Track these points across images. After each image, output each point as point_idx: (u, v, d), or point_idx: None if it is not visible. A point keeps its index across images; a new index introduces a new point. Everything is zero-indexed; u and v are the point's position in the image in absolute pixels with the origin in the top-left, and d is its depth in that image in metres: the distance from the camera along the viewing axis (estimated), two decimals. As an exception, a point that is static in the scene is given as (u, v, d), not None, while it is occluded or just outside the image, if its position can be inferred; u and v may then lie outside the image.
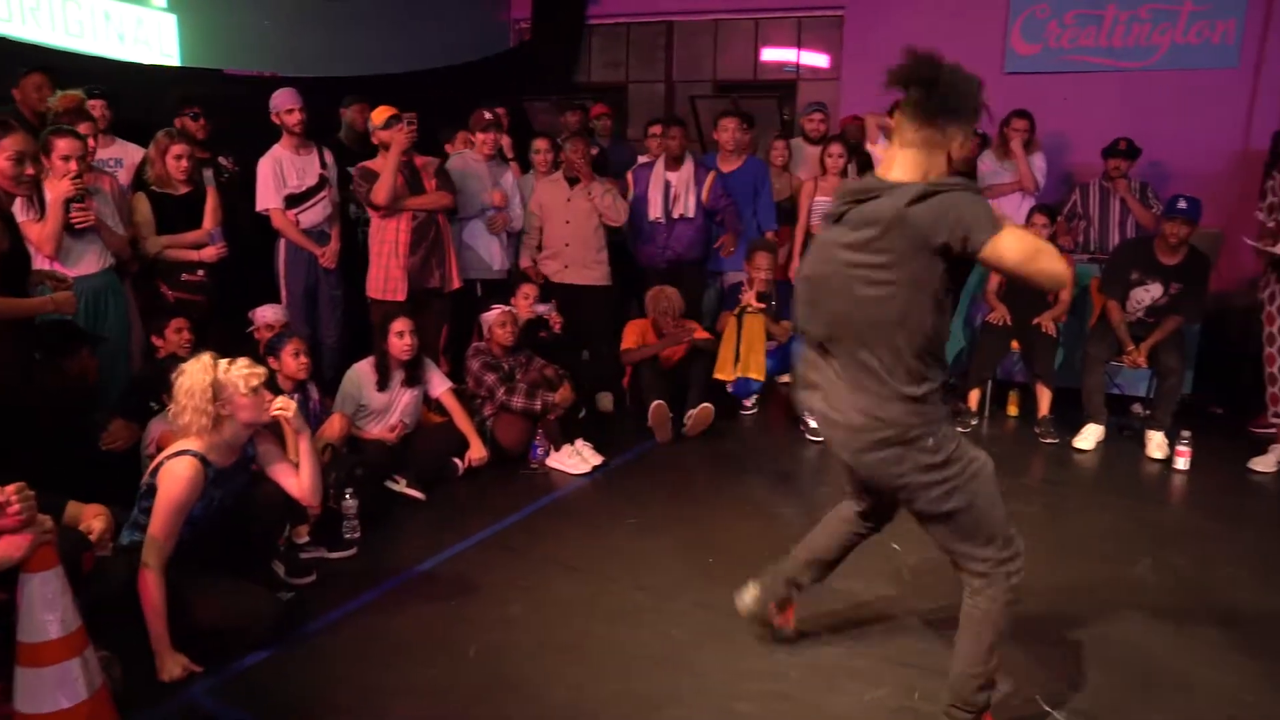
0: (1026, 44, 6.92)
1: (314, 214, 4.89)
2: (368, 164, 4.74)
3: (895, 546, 3.65)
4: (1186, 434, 4.64)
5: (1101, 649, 2.93)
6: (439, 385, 4.41)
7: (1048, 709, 2.58)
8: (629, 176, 5.80)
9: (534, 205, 5.50)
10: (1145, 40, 6.60)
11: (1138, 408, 5.48)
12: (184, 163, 4.36)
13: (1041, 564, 3.48)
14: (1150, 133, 6.01)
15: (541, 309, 5.22)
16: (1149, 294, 5.00)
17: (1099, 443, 4.98)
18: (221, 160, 4.90)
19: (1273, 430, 4.77)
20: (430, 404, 4.55)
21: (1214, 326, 5.83)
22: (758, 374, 5.17)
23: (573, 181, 5.40)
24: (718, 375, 5.22)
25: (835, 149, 5.75)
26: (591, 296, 5.47)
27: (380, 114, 4.69)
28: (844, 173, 5.81)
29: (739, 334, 5.17)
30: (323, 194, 4.91)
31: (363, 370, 4.23)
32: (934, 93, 2.09)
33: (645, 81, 8.74)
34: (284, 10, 6.64)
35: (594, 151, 5.80)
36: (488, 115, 5.29)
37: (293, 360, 3.84)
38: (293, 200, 4.82)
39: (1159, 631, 3.05)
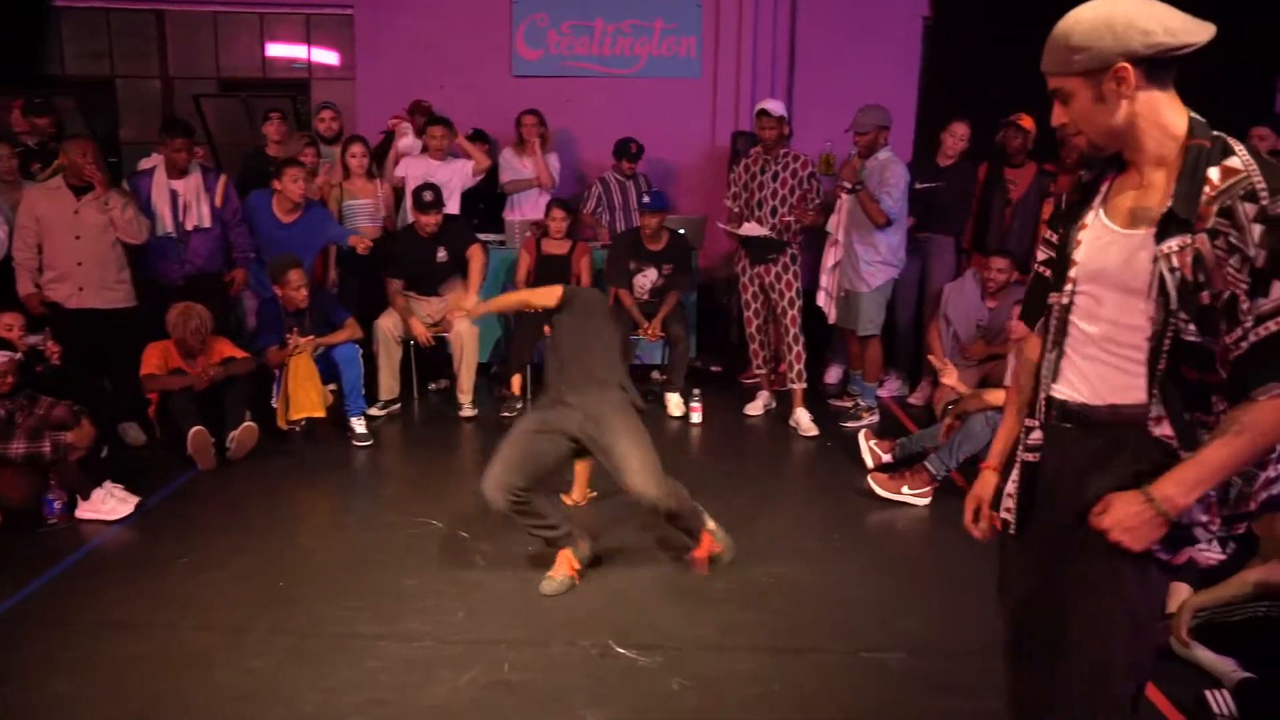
0: (530, 49, 7.42)
1: None
2: None
3: (464, 534, 3.82)
4: (697, 391, 5.43)
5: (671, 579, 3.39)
6: (-91, 445, 3.64)
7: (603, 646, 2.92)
8: (124, 185, 5.20)
9: (26, 219, 4.68)
10: (629, 51, 7.43)
11: (656, 374, 6.26)
12: None
13: (602, 517, 3.91)
14: (641, 133, 6.81)
15: (34, 340, 4.52)
16: (647, 278, 5.73)
17: (629, 408, 5.61)
18: None
19: (758, 380, 5.77)
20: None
21: (705, 296, 6.85)
22: (313, 410, 4.96)
23: (79, 191, 4.72)
24: (280, 425, 4.99)
25: (357, 149, 5.79)
26: (114, 321, 4.82)
27: None
28: (369, 173, 5.83)
29: (285, 380, 4.96)
30: None
31: None
32: None
33: (136, 77, 7.83)
34: None
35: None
36: None
37: None
38: None
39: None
